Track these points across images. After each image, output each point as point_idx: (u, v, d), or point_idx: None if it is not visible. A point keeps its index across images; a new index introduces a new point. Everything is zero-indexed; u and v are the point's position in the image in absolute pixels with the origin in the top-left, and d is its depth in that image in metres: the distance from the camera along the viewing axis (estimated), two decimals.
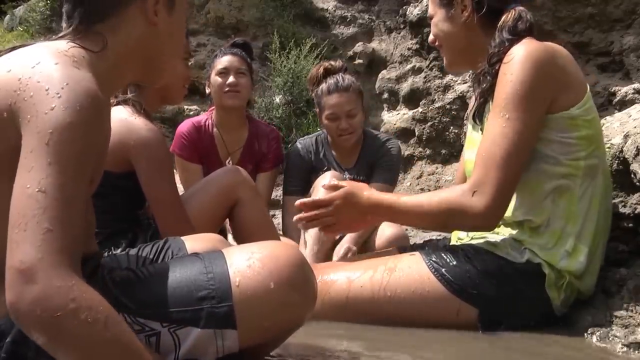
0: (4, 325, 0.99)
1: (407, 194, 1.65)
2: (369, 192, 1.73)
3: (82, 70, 1.02)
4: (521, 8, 1.68)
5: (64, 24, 1.17)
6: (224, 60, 2.79)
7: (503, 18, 1.66)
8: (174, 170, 1.96)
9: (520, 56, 1.55)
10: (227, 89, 2.73)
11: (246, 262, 1.10)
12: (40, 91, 0.95)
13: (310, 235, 2.28)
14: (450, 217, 1.60)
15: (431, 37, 1.83)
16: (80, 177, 0.94)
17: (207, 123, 2.84)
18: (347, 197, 1.73)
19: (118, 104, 1.95)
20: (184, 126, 2.84)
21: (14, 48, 1.10)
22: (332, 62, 2.76)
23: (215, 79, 2.77)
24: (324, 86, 2.64)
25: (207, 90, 2.87)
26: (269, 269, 1.09)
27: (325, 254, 2.27)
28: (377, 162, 2.70)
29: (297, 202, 1.79)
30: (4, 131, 0.98)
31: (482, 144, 1.60)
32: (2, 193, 1.01)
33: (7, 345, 0.98)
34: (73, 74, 0.99)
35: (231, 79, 2.73)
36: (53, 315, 0.83)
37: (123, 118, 1.88)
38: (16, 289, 0.84)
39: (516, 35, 1.62)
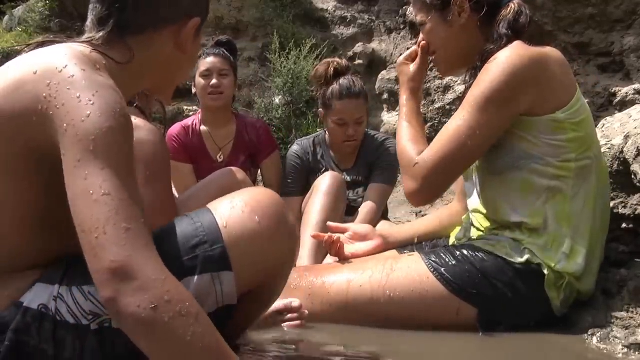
0: (8, 316, 1.02)
1: (419, 118, 1.82)
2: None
3: (105, 78, 1.04)
4: (519, 2, 1.67)
5: (89, 25, 1.19)
6: (207, 62, 2.87)
7: (502, 12, 1.65)
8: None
9: (500, 60, 1.55)
10: (210, 90, 2.83)
11: (229, 205, 1.14)
12: (72, 99, 0.97)
13: (309, 236, 2.28)
14: (402, 166, 1.72)
15: (423, 42, 1.79)
16: (132, 176, 0.98)
17: (194, 123, 2.96)
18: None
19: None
20: (174, 129, 2.95)
21: (42, 43, 1.13)
22: (339, 61, 2.72)
23: (199, 80, 2.87)
24: (335, 89, 2.60)
25: (193, 91, 2.97)
26: (252, 207, 1.13)
27: (324, 256, 2.27)
28: (375, 162, 2.69)
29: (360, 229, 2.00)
30: (30, 133, 1.01)
31: (441, 131, 1.63)
32: (9, 189, 1.04)
33: (10, 333, 1.00)
34: (100, 81, 1.01)
35: (214, 80, 2.83)
36: (149, 307, 0.87)
37: None
38: (113, 287, 0.88)
39: (516, 31, 1.61)
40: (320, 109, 2.72)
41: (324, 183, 2.46)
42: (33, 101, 0.99)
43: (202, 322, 0.91)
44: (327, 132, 2.77)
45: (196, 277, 1.07)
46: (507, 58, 1.55)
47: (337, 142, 2.70)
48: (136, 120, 1.88)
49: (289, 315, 1.60)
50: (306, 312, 1.61)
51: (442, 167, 1.59)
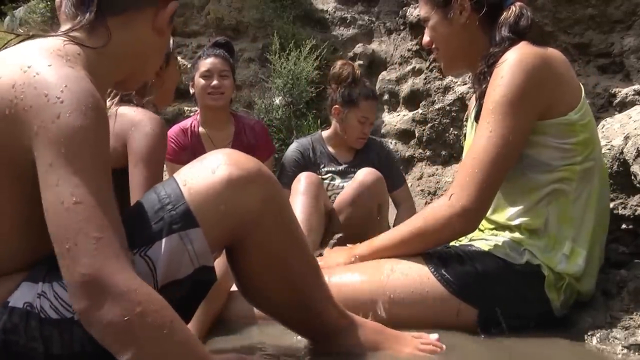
0: None
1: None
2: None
3: (76, 69, 1.01)
4: (521, 4, 1.67)
5: (68, 11, 1.15)
6: (207, 63, 2.90)
7: (504, 15, 1.65)
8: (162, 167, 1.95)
9: (512, 61, 1.54)
10: (210, 90, 2.86)
11: (189, 167, 1.15)
12: (40, 99, 0.94)
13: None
14: (427, 228, 1.60)
15: (426, 39, 1.80)
16: (105, 177, 0.96)
17: (192, 125, 2.99)
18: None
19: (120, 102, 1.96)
20: (172, 131, 2.98)
21: (23, 40, 1.10)
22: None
23: (199, 80, 2.90)
24: (363, 89, 2.85)
25: (191, 91, 2.99)
26: (208, 163, 1.13)
27: (315, 248, 2.33)
28: (381, 165, 2.83)
29: None
30: (2, 141, 0.98)
31: (469, 149, 1.60)
32: (1, 206, 1.03)
33: None
34: (69, 74, 0.98)
35: (215, 81, 2.87)
36: (122, 319, 0.86)
37: (124, 113, 1.88)
38: (84, 299, 0.88)
39: (517, 34, 1.61)
40: (337, 106, 2.85)
41: (300, 185, 2.54)
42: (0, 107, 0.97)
43: (176, 330, 0.90)
44: (341, 129, 2.89)
45: (164, 240, 1.05)
46: (516, 58, 1.54)
47: (351, 138, 2.87)
48: (136, 113, 1.89)
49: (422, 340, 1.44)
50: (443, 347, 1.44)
51: (485, 180, 1.53)
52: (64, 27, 1.14)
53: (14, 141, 0.97)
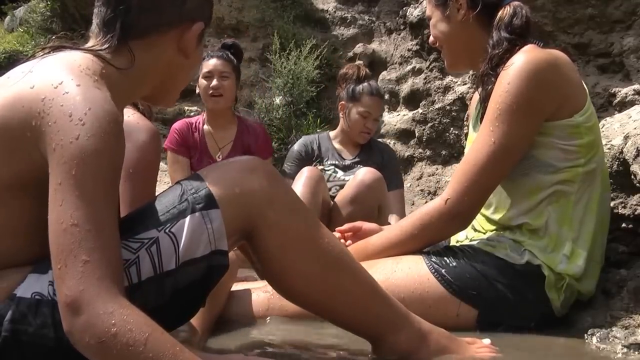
0: (3, 309, 1.04)
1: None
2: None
3: (102, 91, 1.05)
4: (517, 3, 1.67)
5: (95, 29, 1.19)
6: (209, 64, 3.02)
7: (498, 15, 1.65)
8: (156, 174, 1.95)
9: (518, 66, 1.53)
10: (210, 91, 2.98)
11: (211, 166, 1.26)
12: (64, 117, 0.99)
13: None
14: (423, 230, 1.64)
15: (431, 38, 1.83)
16: (109, 201, 1.00)
17: (198, 121, 3.11)
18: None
19: None
20: (178, 123, 3.12)
21: (55, 48, 1.15)
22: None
23: (201, 81, 3.02)
24: (366, 86, 2.97)
25: (197, 90, 3.11)
26: (226, 161, 1.26)
27: None
28: (382, 167, 2.91)
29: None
30: (26, 149, 1.02)
31: (468, 152, 1.62)
32: (15, 207, 1.07)
33: (6, 324, 1.03)
34: (95, 96, 1.02)
35: (214, 82, 2.97)
36: (98, 341, 0.91)
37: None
38: (67, 320, 0.93)
39: (513, 33, 1.61)
40: (343, 102, 3.01)
41: (301, 178, 2.63)
42: (27, 116, 1.01)
43: (152, 347, 0.92)
44: (345, 123, 3.01)
45: (188, 218, 1.11)
46: (523, 63, 1.53)
47: (354, 132, 2.98)
48: (131, 118, 1.88)
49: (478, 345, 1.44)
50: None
51: (481, 184, 1.57)
52: (90, 42, 1.18)
53: (35, 150, 1.01)
